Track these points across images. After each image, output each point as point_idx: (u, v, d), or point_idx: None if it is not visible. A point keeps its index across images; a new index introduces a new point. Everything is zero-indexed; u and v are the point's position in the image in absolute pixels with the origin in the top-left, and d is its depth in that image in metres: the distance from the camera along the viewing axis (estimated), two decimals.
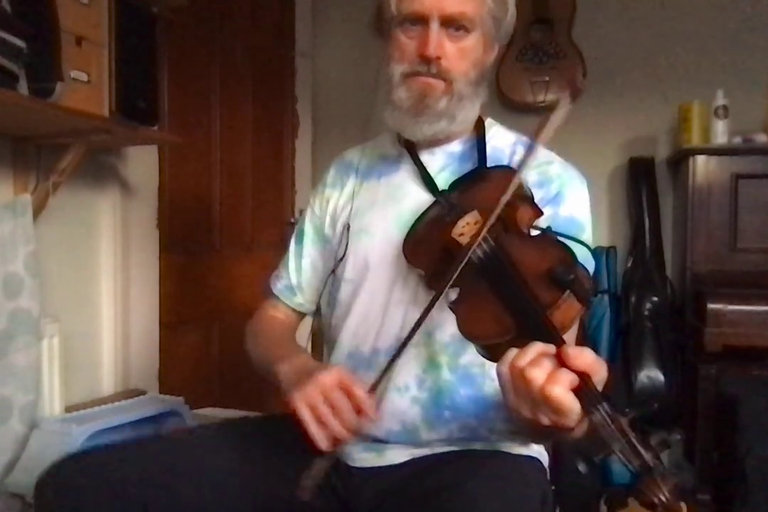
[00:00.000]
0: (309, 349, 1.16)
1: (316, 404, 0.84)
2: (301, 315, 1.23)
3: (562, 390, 0.65)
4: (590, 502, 2.01)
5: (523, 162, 0.84)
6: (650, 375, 2.32)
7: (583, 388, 0.66)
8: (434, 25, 0.98)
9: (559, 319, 0.73)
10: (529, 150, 0.84)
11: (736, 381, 2.07)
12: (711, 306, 2.06)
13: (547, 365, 0.68)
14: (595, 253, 2.52)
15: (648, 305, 2.40)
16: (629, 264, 2.51)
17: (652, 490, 0.61)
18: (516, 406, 0.71)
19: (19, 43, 1.26)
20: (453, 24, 0.99)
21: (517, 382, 0.69)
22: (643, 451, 0.62)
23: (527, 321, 0.72)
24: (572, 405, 0.66)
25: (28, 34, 1.28)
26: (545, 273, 0.75)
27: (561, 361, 0.67)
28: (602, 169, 2.63)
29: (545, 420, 0.69)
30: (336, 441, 0.84)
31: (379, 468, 1.02)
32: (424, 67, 0.99)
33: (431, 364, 1.00)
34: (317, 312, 1.23)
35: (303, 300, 1.20)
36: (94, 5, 1.48)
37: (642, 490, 0.61)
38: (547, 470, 1.06)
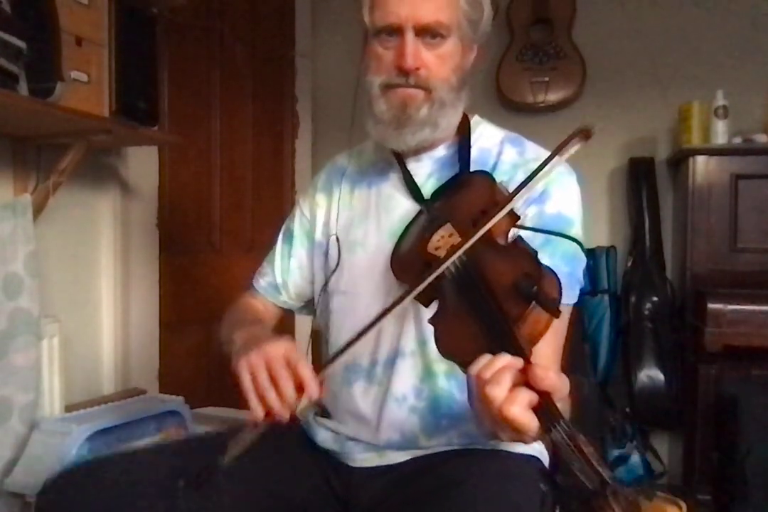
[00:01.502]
0: (309, 351, 1.15)
1: (258, 372, 0.82)
2: (285, 310, 1.23)
3: (518, 410, 0.64)
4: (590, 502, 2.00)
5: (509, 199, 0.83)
6: (650, 375, 2.32)
7: (543, 407, 0.65)
8: (410, 36, 0.96)
9: (527, 332, 0.71)
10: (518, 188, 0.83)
11: (736, 381, 2.07)
12: (711, 306, 2.06)
13: (507, 383, 0.66)
14: (595, 252, 2.54)
15: (648, 305, 2.39)
16: (629, 264, 2.50)
17: (604, 509, 0.61)
18: (479, 414, 0.70)
19: (19, 43, 1.26)
20: (429, 32, 0.97)
21: (479, 395, 0.68)
22: (600, 469, 0.61)
23: (496, 337, 0.71)
24: (529, 424, 0.64)
25: (28, 34, 1.28)
26: (510, 286, 0.73)
27: (526, 378, 0.66)
28: (602, 169, 2.63)
29: (504, 436, 0.68)
30: (270, 414, 0.81)
31: (379, 467, 1.02)
32: (403, 78, 0.98)
33: (427, 373, 1.00)
34: (304, 309, 1.22)
35: (287, 298, 1.20)
36: (94, 5, 1.48)
37: (595, 509, 0.61)
38: (548, 469, 1.06)
